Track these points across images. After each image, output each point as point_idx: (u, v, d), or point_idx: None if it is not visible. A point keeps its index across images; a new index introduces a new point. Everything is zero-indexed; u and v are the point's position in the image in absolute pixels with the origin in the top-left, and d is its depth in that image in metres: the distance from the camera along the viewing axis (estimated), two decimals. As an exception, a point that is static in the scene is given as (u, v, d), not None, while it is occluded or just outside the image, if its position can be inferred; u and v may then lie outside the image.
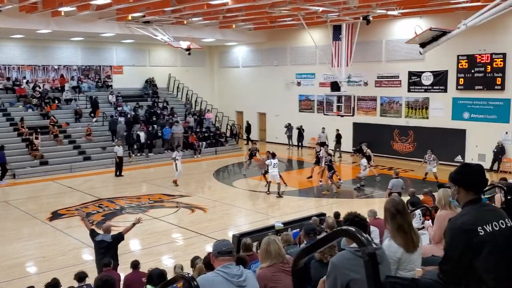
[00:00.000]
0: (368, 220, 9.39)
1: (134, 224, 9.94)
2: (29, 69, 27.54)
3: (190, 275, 3.42)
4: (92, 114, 26.88)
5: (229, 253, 3.93)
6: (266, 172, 19.14)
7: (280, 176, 18.41)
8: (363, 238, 2.38)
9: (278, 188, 17.94)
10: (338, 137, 26.14)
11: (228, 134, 31.02)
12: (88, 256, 11.78)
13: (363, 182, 19.14)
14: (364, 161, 19.36)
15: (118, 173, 21.99)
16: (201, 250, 11.34)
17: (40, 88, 26.95)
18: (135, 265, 8.52)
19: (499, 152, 21.17)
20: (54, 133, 24.28)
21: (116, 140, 23.75)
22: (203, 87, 33.31)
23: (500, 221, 2.95)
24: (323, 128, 26.20)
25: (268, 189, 18.38)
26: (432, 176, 19.30)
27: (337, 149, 25.61)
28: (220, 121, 32.28)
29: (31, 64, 27.54)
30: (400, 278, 3.48)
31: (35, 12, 19.76)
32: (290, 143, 29.40)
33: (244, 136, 31.80)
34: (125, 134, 25.66)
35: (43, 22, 21.32)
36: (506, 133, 21.23)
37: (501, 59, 20.91)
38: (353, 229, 2.49)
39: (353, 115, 24.60)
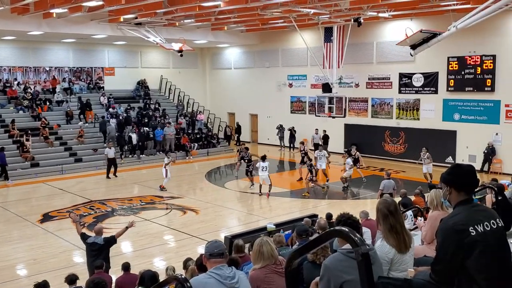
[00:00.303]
0: (360, 221, 9.44)
1: (127, 228, 9.89)
2: (20, 70, 27.37)
3: (183, 276, 3.41)
4: (82, 116, 26.76)
5: (221, 255, 3.92)
6: (248, 172, 19.51)
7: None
8: (356, 238, 2.40)
9: (269, 189, 17.96)
10: (325, 138, 26.41)
11: (222, 136, 31.01)
12: (79, 258, 11.73)
13: (347, 183, 19.10)
14: (349, 160, 19.44)
15: (113, 174, 21.92)
16: (193, 251, 11.32)
17: (31, 89, 26.81)
18: (126, 267, 8.48)
19: (490, 153, 21.33)
20: (44, 135, 24.13)
21: (107, 141, 23.67)
22: (195, 89, 33.26)
23: (491, 221, 2.97)
24: (316, 129, 26.25)
25: (260, 190, 18.32)
26: (427, 176, 19.20)
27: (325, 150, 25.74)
28: (212, 122, 32.23)
29: (23, 65, 27.37)
30: (393, 278, 3.50)
31: (26, 14, 19.65)
32: (282, 145, 29.43)
33: (235, 138, 31.81)
34: (116, 135, 25.59)
35: (34, 24, 21.20)
36: (496, 134, 21.39)
37: (491, 61, 21.07)
38: (347, 230, 2.50)
39: (344, 117, 24.68)
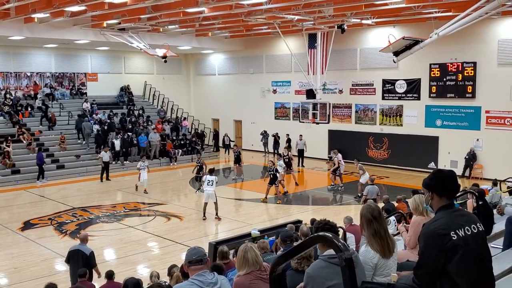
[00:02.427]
0: (344, 226, 9.48)
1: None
2: (0, 76, 26.98)
3: (167, 283, 3.40)
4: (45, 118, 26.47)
5: (199, 261, 3.90)
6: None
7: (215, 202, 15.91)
8: (340, 244, 2.41)
9: (215, 209, 15.83)
10: (289, 141, 27.24)
11: (219, 144, 30.97)
12: (61, 266, 11.55)
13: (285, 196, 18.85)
14: (281, 162, 19.40)
15: (106, 178, 22.31)
16: (177, 258, 11.24)
17: (11, 95, 26.46)
18: (109, 275, 8.35)
19: (471, 158, 21.60)
20: (29, 141, 23.82)
21: (103, 146, 23.63)
22: (179, 95, 33.17)
23: (472, 225, 3.02)
24: (301, 135, 26.28)
25: (204, 213, 15.94)
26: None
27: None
28: (197, 128, 32.09)
29: (3, 71, 26.99)
30: (376, 283, 3.52)
31: (7, 19, 19.40)
32: (266, 151, 29.45)
33: (213, 143, 31.77)
34: (94, 134, 25.81)
35: (16, 29, 20.96)
36: (477, 140, 21.68)
37: (472, 68, 21.39)
38: (330, 235, 2.51)
39: (328, 123, 24.80)
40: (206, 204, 15.83)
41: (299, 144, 26.22)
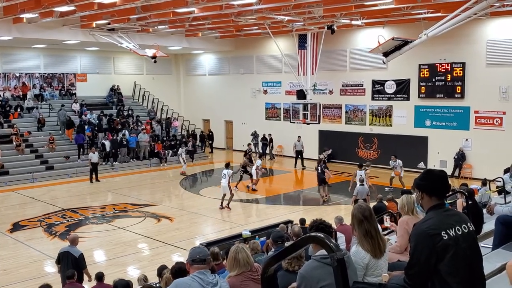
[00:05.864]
0: (335, 226, 9.50)
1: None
2: (-11, 76, 26.77)
3: (158, 285, 3.38)
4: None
5: (203, 260, 3.92)
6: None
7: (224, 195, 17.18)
8: (332, 244, 2.40)
9: (222, 199, 17.07)
10: (271, 141, 28.43)
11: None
12: (50, 268, 11.48)
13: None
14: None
15: (95, 179, 22.22)
16: (168, 259, 11.21)
17: (0, 96, 26.22)
18: (99, 277, 8.31)
19: (460, 158, 21.76)
20: (18, 142, 23.61)
21: (91, 147, 23.59)
22: (169, 95, 33.07)
23: (463, 225, 3.03)
24: (299, 136, 26.09)
25: (221, 203, 17.24)
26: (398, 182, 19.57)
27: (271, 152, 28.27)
28: (187, 129, 32.00)
29: (-9, 71, 26.80)
30: (368, 284, 3.53)
31: (-5, 19, 19.26)
32: (257, 151, 29.39)
33: (208, 144, 31.70)
34: (66, 120, 26.12)
35: (4, 29, 20.74)
36: (466, 139, 21.84)
37: (461, 68, 21.54)
38: (322, 236, 2.51)
39: (319, 123, 24.85)
40: (224, 195, 17.06)
41: (297, 145, 26.07)
